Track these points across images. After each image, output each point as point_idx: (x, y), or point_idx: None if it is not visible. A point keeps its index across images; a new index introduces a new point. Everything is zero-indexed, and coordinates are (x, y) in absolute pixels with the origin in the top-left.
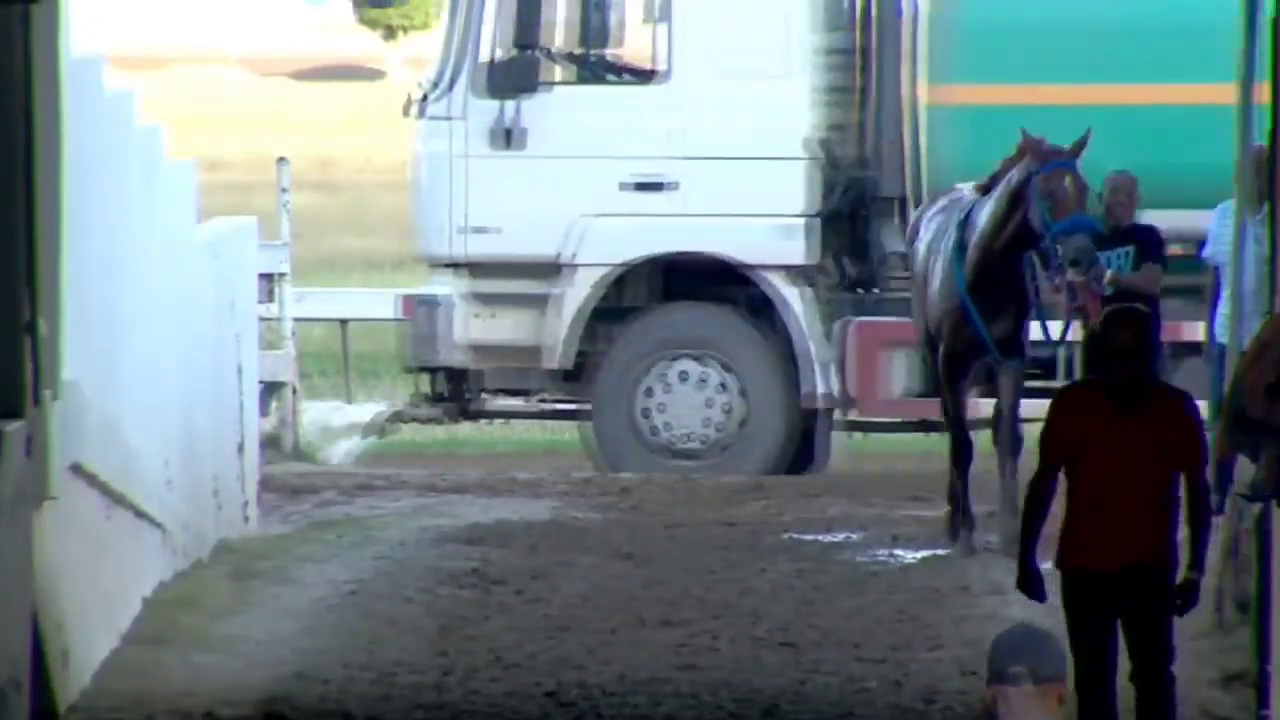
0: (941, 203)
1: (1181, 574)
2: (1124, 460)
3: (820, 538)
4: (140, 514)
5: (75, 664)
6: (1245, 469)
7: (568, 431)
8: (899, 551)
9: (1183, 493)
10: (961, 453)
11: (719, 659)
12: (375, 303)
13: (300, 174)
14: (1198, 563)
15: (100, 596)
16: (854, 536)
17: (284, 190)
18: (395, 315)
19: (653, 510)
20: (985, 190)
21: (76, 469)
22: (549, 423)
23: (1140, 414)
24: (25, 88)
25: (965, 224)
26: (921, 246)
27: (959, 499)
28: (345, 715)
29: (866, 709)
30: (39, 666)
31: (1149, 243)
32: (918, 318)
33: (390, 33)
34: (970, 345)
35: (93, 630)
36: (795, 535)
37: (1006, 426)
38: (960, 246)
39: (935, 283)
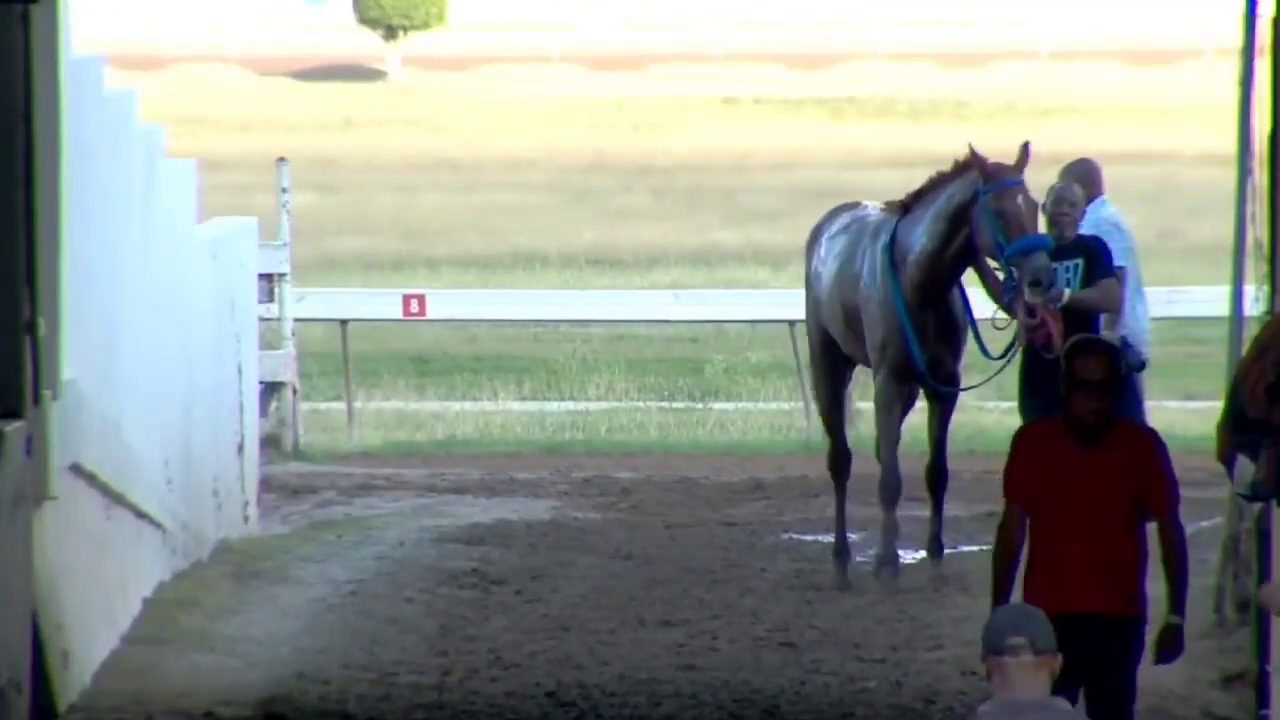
0: (843, 220)
1: (1162, 620)
2: (1087, 500)
3: (820, 538)
4: (140, 514)
5: (75, 664)
6: (1245, 469)
7: (567, 431)
8: (899, 551)
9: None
10: (897, 484)
11: (719, 659)
12: (376, 303)
13: (300, 174)
14: (1178, 607)
15: (100, 596)
16: (854, 537)
17: (284, 190)
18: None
19: (653, 510)
20: (905, 208)
21: (76, 469)
22: (548, 421)
23: (1105, 452)
24: (25, 88)
25: (893, 244)
26: (826, 269)
27: (846, 544)
28: (345, 715)
29: (866, 709)
30: (39, 666)
31: (1097, 255)
32: (814, 333)
33: (390, 33)
34: (911, 369)
35: (93, 630)
36: (795, 535)
37: (935, 459)
38: (893, 269)
39: (871, 307)
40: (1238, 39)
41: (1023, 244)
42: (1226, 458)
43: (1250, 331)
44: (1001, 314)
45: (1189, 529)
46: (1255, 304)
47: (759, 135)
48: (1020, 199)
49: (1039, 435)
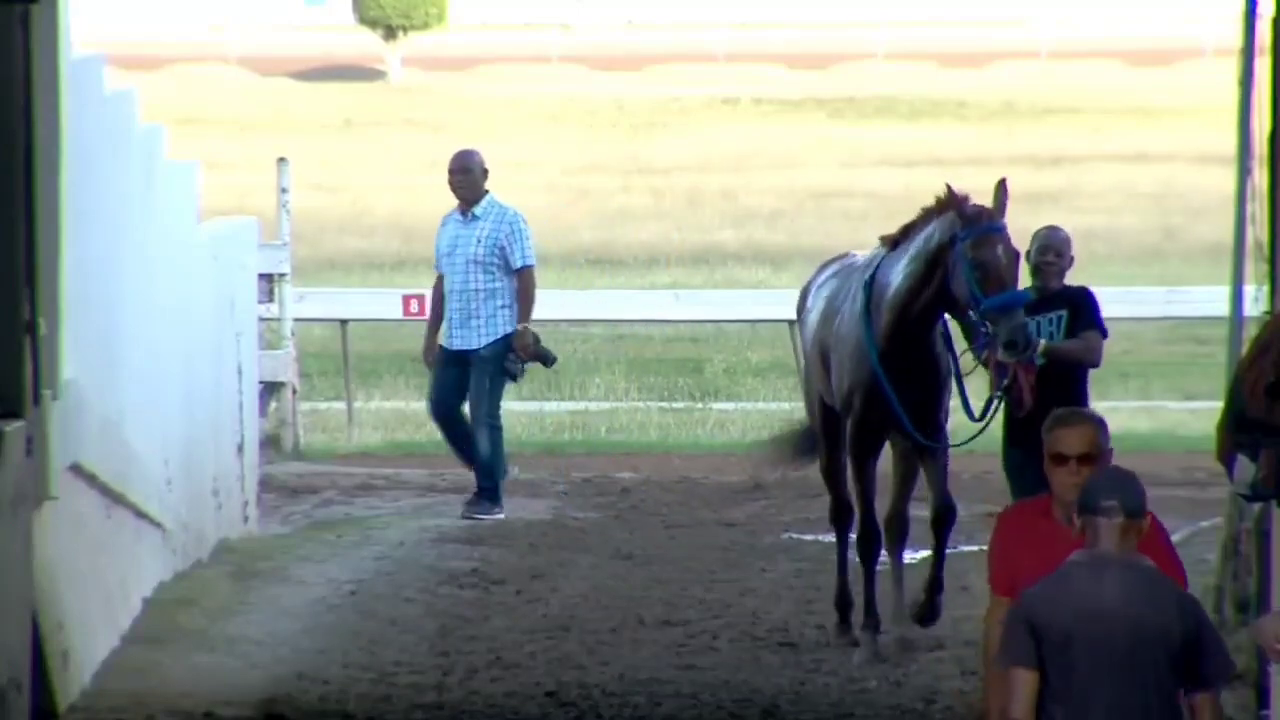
0: (833, 268)
1: None
2: None
3: (820, 538)
4: (140, 514)
5: (75, 664)
6: (1245, 469)
7: (567, 431)
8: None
9: None
10: (872, 539)
11: (719, 659)
12: (376, 303)
13: (300, 174)
14: None
15: (100, 596)
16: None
17: (284, 190)
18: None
19: (653, 510)
20: (894, 244)
21: (76, 469)
22: (548, 421)
23: None
24: (25, 88)
25: (872, 283)
26: (814, 316)
27: (848, 595)
28: (345, 715)
29: (866, 709)
30: (39, 666)
31: (1083, 307)
32: (809, 394)
33: (390, 33)
34: (884, 419)
35: (93, 630)
36: (795, 535)
37: (939, 500)
38: (868, 309)
39: (843, 350)
40: (1238, 39)
41: (999, 301)
42: (1226, 458)
43: (1250, 331)
44: (971, 356)
45: (1188, 529)
46: (1255, 304)
47: (759, 135)
48: (1000, 248)
49: (1021, 518)
